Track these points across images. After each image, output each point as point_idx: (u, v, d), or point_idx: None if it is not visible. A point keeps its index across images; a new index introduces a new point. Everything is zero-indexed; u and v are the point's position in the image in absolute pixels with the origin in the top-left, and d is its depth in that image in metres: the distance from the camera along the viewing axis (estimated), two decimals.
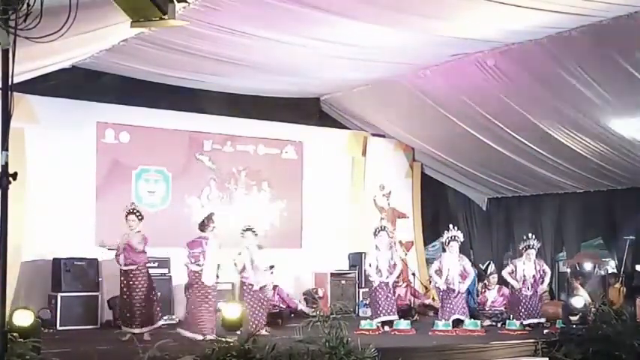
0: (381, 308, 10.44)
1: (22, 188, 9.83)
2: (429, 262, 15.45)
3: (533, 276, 10.64)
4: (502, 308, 11.35)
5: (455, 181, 15.57)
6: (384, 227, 11.07)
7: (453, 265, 10.54)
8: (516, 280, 10.76)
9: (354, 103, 13.69)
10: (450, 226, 11.17)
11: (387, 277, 10.55)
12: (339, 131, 14.31)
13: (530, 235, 11.22)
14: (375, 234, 10.94)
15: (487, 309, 11.40)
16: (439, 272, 10.64)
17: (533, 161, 13.15)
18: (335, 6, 8.32)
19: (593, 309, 9.98)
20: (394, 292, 10.92)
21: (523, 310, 10.61)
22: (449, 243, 10.72)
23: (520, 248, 11.06)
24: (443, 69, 11.30)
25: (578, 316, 9.97)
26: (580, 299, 10.39)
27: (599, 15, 8.69)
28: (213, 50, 9.98)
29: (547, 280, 10.99)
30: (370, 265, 10.72)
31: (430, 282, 14.04)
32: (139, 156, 11.99)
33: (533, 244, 10.86)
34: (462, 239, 10.97)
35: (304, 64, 10.96)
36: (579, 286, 11.93)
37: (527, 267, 10.70)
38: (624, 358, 8.76)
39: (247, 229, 10.05)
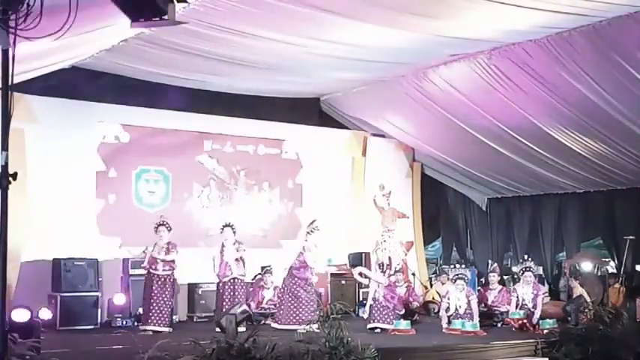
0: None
1: (22, 188, 9.83)
2: (429, 262, 15.50)
3: (532, 299, 10.57)
4: (502, 308, 11.31)
5: (455, 181, 15.57)
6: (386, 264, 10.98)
7: (461, 301, 10.37)
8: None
9: (354, 103, 13.69)
10: (457, 265, 11.15)
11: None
12: (339, 131, 14.31)
13: (526, 257, 11.14)
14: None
15: (487, 309, 11.35)
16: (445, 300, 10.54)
17: (533, 161, 13.15)
18: (335, 6, 8.33)
19: (592, 309, 9.98)
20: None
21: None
22: (455, 281, 10.45)
23: (518, 271, 10.96)
24: (443, 69, 11.31)
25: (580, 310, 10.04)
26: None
27: (599, 15, 8.70)
28: (213, 50, 9.99)
29: (541, 297, 10.83)
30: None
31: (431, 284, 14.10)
32: (139, 156, 11.99)
33: (531, 267, 10.77)
34: (469, 277, 10.85)
35: (304, 64, 10.96)
36: (578, 285, 11.91)
37: (525, 291, 10.62)
38: (624, 358, 8.75)
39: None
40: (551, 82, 10.54)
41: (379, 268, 10.70)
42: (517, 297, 10.66)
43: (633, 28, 8.83)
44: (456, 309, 10.20)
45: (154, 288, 10.03)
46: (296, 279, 10.46)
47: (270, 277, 11.60)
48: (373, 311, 10.35)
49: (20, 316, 7.22)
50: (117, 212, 11.62)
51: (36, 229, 10.58)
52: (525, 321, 10.40)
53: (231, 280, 10.46)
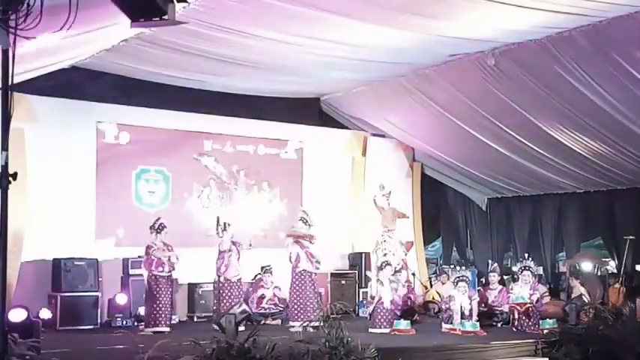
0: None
1: (22, 188, 9.83)
2: (429, 262, 15.50)
3: (528, 298, 10.54)
4: (503, 308, 11.30)
5: (455, 181, 15.57)
6: (388, 262, 10.96)
7: (464, 303, 10.29)
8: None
9: (354, 103, 13.69)
10: (457, 266, 11.11)
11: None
12: (339, 131, 14.31)
13: (526, 255, 11.16)
14: (380, 268, 10.84)
15: (487, 309, 11.34)
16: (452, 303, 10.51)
17: (533, 161, 13.14)
18: (335, 6, 8.33)
19: (592, 309, 9.97)
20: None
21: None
22: (457, 283, 10.41)
23: (517, 270, 10.96)
24: (443, 69, 11.31)
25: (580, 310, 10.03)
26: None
27: (599, 15, 8.70)
28: (213, 50, 9.99)
29: (537, 296, 10.77)
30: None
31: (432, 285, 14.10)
32: (139, 156, 11.98)
33: (530, 266, 10.77)
34: (470, 278, 10.83)
35: (304, 64, 10.96)
36: (578, 285, 11.92)
37: (522, 290, 10.62)
38: (624, 359, 8.74)
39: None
40: (551, 82, 10.54)
41: (387, 266, 10.71)
42: (514, 295, 10.68)
43: (633, 28, 8.83)
44: (462, 311, 10.20)
45: (162, 289, 10.05)
46: (292, 274, 10.59)
47: (270, 277, 11.62)
48: (379, 316, 10.34)
49: (17, 315, 7.23)
50: (117, 212, 11.61)
51: (36, 229, 10.57)
52: (529, 305, 10.37)
53: (237, 280, 10.58)
